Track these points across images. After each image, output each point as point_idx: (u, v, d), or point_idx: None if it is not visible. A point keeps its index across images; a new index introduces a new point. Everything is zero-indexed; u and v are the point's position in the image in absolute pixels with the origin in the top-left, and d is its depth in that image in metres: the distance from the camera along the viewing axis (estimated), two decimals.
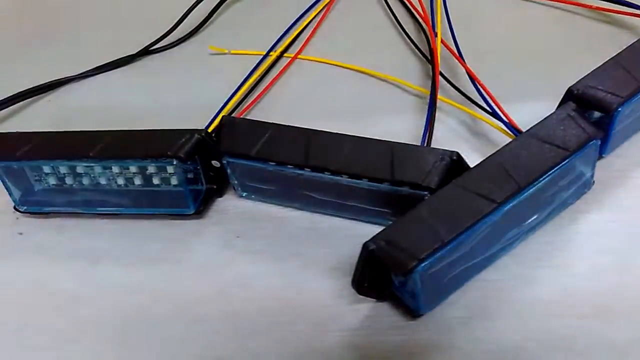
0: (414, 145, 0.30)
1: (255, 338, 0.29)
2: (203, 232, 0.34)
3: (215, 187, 0.34)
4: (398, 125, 0.37)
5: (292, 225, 0.33)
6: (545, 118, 0.29)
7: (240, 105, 0.39)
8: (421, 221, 0.26)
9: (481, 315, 0.29)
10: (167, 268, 0.32)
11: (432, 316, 0.29)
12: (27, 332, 0.30)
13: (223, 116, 0.33)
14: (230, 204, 0.35)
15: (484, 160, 0.28)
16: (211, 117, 0.37)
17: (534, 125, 0.29)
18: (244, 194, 0.34)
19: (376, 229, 0.32)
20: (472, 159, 0.30)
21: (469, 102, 0.36)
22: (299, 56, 0.43)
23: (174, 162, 0.31)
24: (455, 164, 0.29)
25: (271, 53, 0.43)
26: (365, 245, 0.26)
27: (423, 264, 0.25)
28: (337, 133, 0.31)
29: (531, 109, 0.35)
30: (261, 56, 0.43)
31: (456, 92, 0.37)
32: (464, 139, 0.36)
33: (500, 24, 0.45)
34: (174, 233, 0.34)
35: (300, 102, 0.40)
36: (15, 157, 0.32)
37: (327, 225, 0.33)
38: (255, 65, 0.42)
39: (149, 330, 0.30)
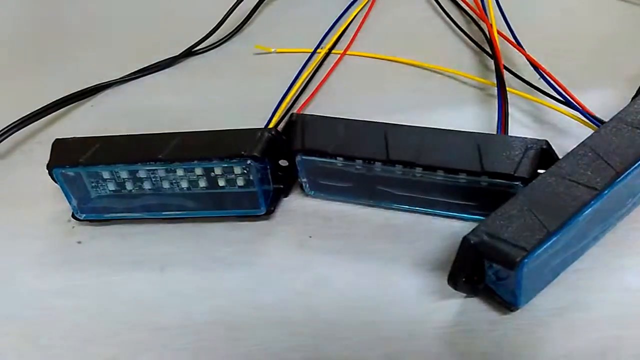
0: (499, 134, 0.29)
1: (342, 340, 0.28)
2: (274, 233, 0.33)
3: (282, 186, 0.33)
4: (460, 119, 0.37)
5: (366, 223, 0.32)
6: (630, 103, 0.29)
7: (295, 103, 0.38)
8: (522, 212, 0.25)
9: (576, 306, 0.28)
10: (242, 271, 0.31)
11: (526, 309, 0.28)
12: (99, 342, 0.29)
13: (292, 113, 0.32)
14: (297, 204, 0.34)
15: (575, 148, 0.27)
16: (268, 116, 0.36)
17: (620, 111, 0.28)
18: (312, 193, 0.34)
19: (455, 223, 0.32)
20: None
21: (536, 91, 0.35)
22: (348, 52, 0.42)
23: (249, 162, 0.30)
24: (544, 152, 0.28)
25: (319, 50, 0.42)
26: (465, 239, 0.25)
27: (530, 256, 0.24)
28: (414, 126, 0.30)
29: (597, 95, 0.34)
30: (307, 54, 0.42)
31: (515, 83, 0.37)
32: (531, 128, 0.35)
33: (553, 9, 0.44)
34: (243, 235, 0.33)
35: (355, 98, 0.39)
36: (80, 163, 0.31)
37: (402, 221, 0.32)
38: (304, 62, 0.41)
39: (228, 335, 0.29)
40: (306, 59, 0.41)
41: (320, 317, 0.29)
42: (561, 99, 0.33)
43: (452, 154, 0.28)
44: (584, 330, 0.27)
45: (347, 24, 0.44)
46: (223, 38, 0.45)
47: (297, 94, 0.39)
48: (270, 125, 0.36)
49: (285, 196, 0.34)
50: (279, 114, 0.37)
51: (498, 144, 0.28)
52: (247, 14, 0.46)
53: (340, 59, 0.42)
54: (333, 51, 0.42)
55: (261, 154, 0.30)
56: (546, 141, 0.28)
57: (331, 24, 0.44)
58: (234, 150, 0.30)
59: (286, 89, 0.39)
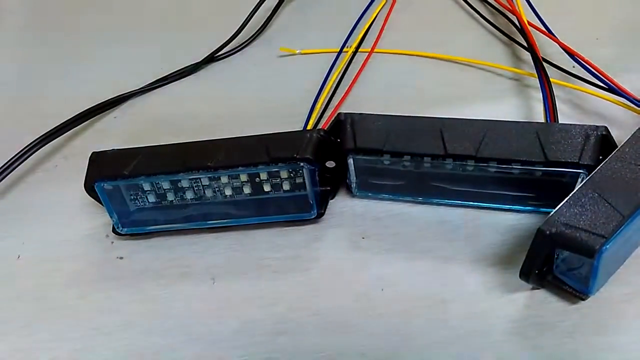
0: (557, 123, 0.29)
1: (411, 341, 0.27)
2: (324, 236, 0.32)
3: (329, 188, 0.33)
4: (497, 111, 0.36)
5: (418, 221, 0.32)
6: None
7: (330, 104, 0.37)
8: (593, 199, 0.25)
9: None
10: (296, 277, 0.30)
11: (594, 298, 0.28)
12: (162, 358, 0.28)
13: (340, 113, 0.31)
14: (345, 205, 0.33)
15: (635, 132, 0.27)
16: (299, 119, 0.35)
17: None
18: (359, 193, 0.33)
19: (509, 216, 0.31)
20: None
21: (575, 79, 0.35)
22: (376, 50, 0.42)
23: (302, 164, 0.29)
24: (605, 139, 0.28)
25: (345, 49, 0.41)
26: (540, 231, 0.25)
27: (608, 243, 0.24)
28: (469, 119, 0.29)
29: (633, 80, 0.34)
30: (332, 54, 0.41)
31: (552, 71, 0.37)
32: (573, 117, 0.35)
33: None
34: (292, 241, 0.32)
35: (389, 95, 0.39)
36: (123, 175, 0.30)
37: (454, 216, 0.32)
38: (332, 62, 0.40)
39: (291, 342, 0.28)
40: (333, 59, 0.41)
41: (384, 318, 0.28)
42: (604, 85, 0.33)
43: (512, 145, 0.28)
44: None
45: (371, 21, 0.43)
46: (244, 42, 0.44)
47: (329, 95, 0.38)
48: (309, 127, 0.35)
49: (332, 198, 0.33)
50: (315, 115, 0.36)
51: (558, 133, 0.28)
52: (267, 17, 0.45)
53: (369, 56, 0.41)
54: (360, 49, 0.42)
55: (313, 155, 0.29)
56: (605, 127, 0.28)
57: (353, 22, 0.44)
58: (285, 154, 0.29)
59: (318, 90, 0.38)
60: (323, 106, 0.37)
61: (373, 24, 0.43)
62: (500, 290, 0.29)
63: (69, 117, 0.39)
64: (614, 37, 0.40)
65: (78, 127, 0.40)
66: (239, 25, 0.44)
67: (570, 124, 0.28)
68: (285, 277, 0.30)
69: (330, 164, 0.32)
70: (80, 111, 0.40)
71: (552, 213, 0.25)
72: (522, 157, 0.28)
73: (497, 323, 0.27)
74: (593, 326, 0.27)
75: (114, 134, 0.40)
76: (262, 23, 0.45)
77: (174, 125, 0.40)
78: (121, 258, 0.33)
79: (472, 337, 0.27)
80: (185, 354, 0.28)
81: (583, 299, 0.27)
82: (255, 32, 0.45)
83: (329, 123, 0.32)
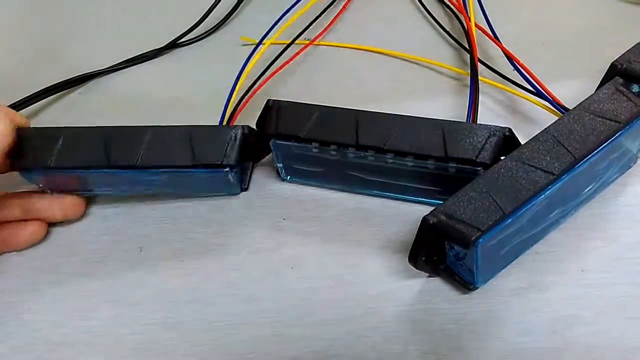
0: (465, 122, 0.30)
1: (310, 317, 0.29)
2: (250, 216, 0.34)
3: (251, 162, 0.35)
4: (433, 108, 0.38)
5: (338, 207, 0.34)
6: (594, 92, 0.29)
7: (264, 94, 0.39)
8: (480, 194, 0.26)
9: (535, 286, 0.29)
10: (216, 251, 0.32)
11: (486, 289, 0.29)
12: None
13: (268, 99, 0.33)
14: (274, 188, 0.35)
15: (537, 134, 0.28)
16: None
17: (584, 100, 0.29)
18: (288, 177, 0.35)
19: (422, 208, 0.33)
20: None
21: (508, 82, 0.36)
22: (325, 42, 0.43)
23: (227, 170, 0.32)
24: (507, 139, 0.29)
25: (298, 41, 0.43)
26: (424, 219, 0.26)
27: (485, 236, 0.25)
28: (384, 113, 0.31)
29: (571, 86, 0.35)
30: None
31: (489, 74, 0.38)
32: (502, 117, 0.36)
33: (526, 4, 0.45)
34: (220, 218, 0.34)
35: (331, 88, 0.40)
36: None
37: (372, 205, 0.33)
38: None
39: (202, 309, 0.30)
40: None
41: (288, 294, 0.30)
42: (532, 89, 0.34)
43: (418, 140, 0.29)
44: (542, 310, 0.28)
45: (320, 15, 0.44)
46: (209, 30, 0.46)
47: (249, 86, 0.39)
48: (227, 116, 0.36)
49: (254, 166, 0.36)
50: (232, 106, 0.36)
51: (462, 131, 0.29)
52: (233, 5, 0.47)
53: (305, 48, 0.41)
54: (317, 42, 0.43)
55: (237, 159, 0.31)
56: (509, 128, 0.29)
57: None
58: (211, 159, 0.31)
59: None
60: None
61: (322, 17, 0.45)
62: (399, 275, 0.30)
63: (36, 90, 0.41)
64: (559, 43, 0.41)
65: (46, 99, 0.42)
66: (203, 14, 0.46)
67: (478, 124, 0.30)
68: (205, 250, 0.33)
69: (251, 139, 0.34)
70: (47, 86, 0.42)
71: (440, 204, 0.26)
72: (424, 151, 0.29)
73: (390, 305, 0.29)
74: (479, 315, 0.28)
75: (78, 109, 0.42)
76: (229, 11, 0.47)
77: (135, 105, 0.42)
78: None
79: (365, 317, 0.29)
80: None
81: (470, 290, 0.29)
82: (220, 21, 0.46)
83: (262, 110, 0.33)
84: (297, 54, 0.41)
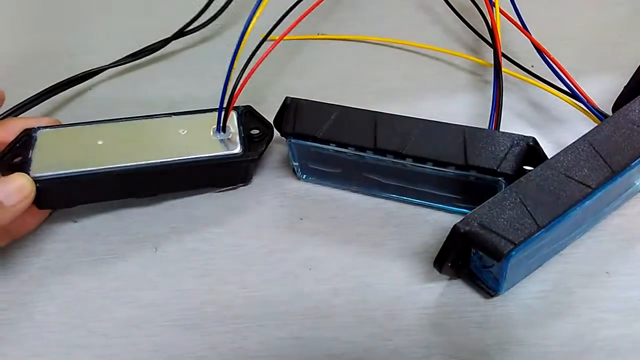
0: (487, 129, 0.29)
1: (329, 319, 0.29)
2: (267, 216, 0.33)
3: (256, 158, 0.33)
4: (452, 106, 0.37)
5: (355, 207, 0.33)
6: (634, 100, 0.28)
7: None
8: (514, 204, 0.25)
9: (559, 289, 0.28)
10: (232, 251, 0.32)
11: (509, 292, 0.29)
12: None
13: (287, 97, 0.32)
14: (291, 187, 0.34)
15: (575, 142, 0.27)
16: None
17: (623, 108, 0.28)
18: (304, 177, 0.34)
19: (442, 214, 0.32)
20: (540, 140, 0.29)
21: (536, 79, 0.35)
22: (338, 37, 0.43)
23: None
24: (531, 149, 0.28)
25: (310, 36, 0.42)
26: (455, 227, 0.25)
27: (518, 249, 0.24)
28: (404, 116, 0.30)
29: (595, 83, 0.34)
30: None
31: (511, 68, 0.37)
32: (526, 119, 0.36)
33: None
34: (235, 218, 0.33)
35: (346, 82, 0.40)
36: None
37: (391, 206, 0.33)
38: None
39: (217, 312, 0.30)
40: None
41: (306, 296, 0.30)
42: (566, 89, 0.32)
43: (438, 146, 0.28)
44: (566, 314, 0.28)
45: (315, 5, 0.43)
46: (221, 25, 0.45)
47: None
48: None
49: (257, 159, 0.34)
50: (227, 96, 0.33)
51: (484, 139, 0.28)
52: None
53: (278, 41, 0.40)
54: (320, 36, 0.43)
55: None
56: (533, 138, 0.28)
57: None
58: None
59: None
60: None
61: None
62: (420, 278, 0.30)
63: (44, 88, 0.41)
64: (579, 38, 0.40)
65: (55, 97, 0.42)
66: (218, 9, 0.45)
67: (501, 132, 0.29)
68: (221, 250, 0.32)
69: (254, 132, 0.33)
70: (58, 81, 0.41)
71: (472, 211, 0.26)
72: (443, 158, 0.28)
73: (412, 308, 0.29)
74: (502, 319, 0.28)
75: (90, 106, 0.42)
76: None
77: (144, 100, 0.41)
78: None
79: (387, 320, 0.28)
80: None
81: (492, 296, 0.28)
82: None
83: (280, 107, 0.32)
84: (273, 45, 0.37)
